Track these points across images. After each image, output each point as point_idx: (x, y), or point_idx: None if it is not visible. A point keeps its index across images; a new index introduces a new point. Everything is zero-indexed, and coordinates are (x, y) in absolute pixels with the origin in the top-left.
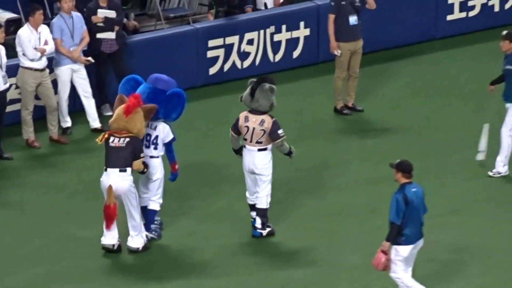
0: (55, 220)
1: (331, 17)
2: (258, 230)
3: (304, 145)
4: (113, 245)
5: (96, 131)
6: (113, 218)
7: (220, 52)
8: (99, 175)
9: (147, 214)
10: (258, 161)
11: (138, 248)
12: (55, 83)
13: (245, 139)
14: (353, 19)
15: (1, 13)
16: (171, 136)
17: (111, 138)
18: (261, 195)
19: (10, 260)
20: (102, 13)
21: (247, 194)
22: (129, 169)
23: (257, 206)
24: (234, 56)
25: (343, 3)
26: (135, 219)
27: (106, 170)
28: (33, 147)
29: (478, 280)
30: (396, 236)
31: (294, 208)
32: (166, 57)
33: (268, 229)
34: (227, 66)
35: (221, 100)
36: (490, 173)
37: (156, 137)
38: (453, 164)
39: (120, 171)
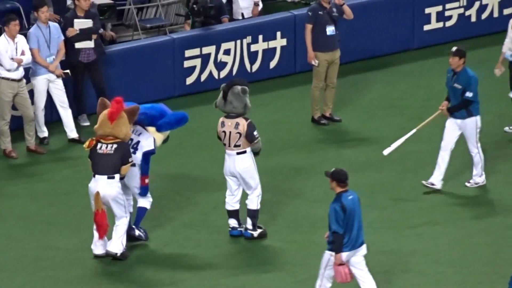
0: (31, 230)
1: (308, 27)
2: (249, 231)
3: (281, 155)
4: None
5: (73, 141)
6: (104, 225)
7: (197, 62)
8: (76, 185)
9: (137, 212)
10: (239, 165)
11: (116, 254)
12: (32, 93)
13: (224, 144)
14: (330, 29)
15: None
16: (151, 147)
17: (99, 145)
18: (252, 196)
19: None
20: (78, 23)
21: (226, 199)
22: (117, 176)
23: (248, 207)
24: (211, 66)
25: (320, 13)
26: (121, 224)
27: (94, 176)
28: (10, 157)
29: None
30: (333, 243)
31: (270, 218)
32: (143, 67)
33: (259, 230)
34: (204, 76)
35: (198, 110)
36: (468, 184)
37: (137, 142)
38: (429, 175)
39: (108, 178)
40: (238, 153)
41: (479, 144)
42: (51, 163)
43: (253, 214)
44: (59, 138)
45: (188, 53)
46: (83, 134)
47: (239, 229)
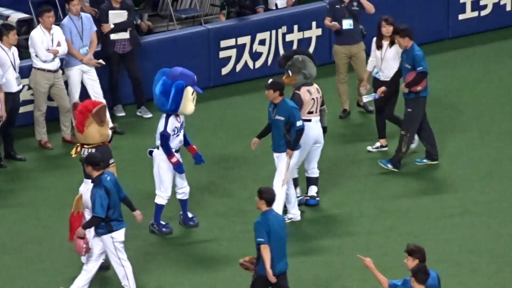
0: (67, 221)
1: (327, 19)
2: (317, 199)
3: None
4: None
5: None
6: (76, 229)
7: (232, 53)
8: None
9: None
10: (320, 129)
11: None
12: (66, 84)
13: (311, 112)
14: (347, 23)
15: (13, 14)
16: (161, 129)
17: (83, 150)
18: (315, 164)
19: (19, 262)
20: (113, 14)
21: (312, 169)
22: None
23: (314, 175)
24: (246, 57)
25: (337, 6)
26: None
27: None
28: (46, 148)
29: (490, 280)
30: (106, 226)
31: (303, 209)
32: (178, 57)
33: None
34: (239, 67)
35: (233, 100)
36: (287, 219)
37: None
38: (464, 164)
39: (92, 182)
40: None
41: (285, 181)
42: None
43: (317, 181)
44: None
45: (223, 43)
46: (118, 124)
47: None
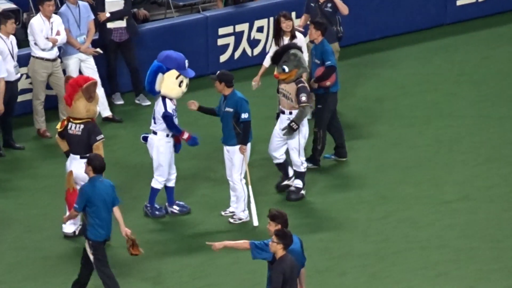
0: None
1: (304, 16)
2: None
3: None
4: (74, 232)
5: (107, 119)
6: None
7: (230, 40)
8: (109, 163)
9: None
10: None
11: (74, 232)
12: (65, 72)
13: None
14: None
15: (0, 4)
16: (162, 111)
17: (69, 125)
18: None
19: (17, 251)
20: (110, 3)
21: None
22: None
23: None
24: (244, 44)
25: (312, 4)
26: None
27: (69, 155)
28: (44, 137)
29: (490, 265)
30: None
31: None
32: (176, 45)
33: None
34: (237, 54)
35: None
36: (231, 220)
37: (154, 111)
38: (463, 150)
39: (81, 157)
40: None
41: (242, 175)
42: None
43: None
44: None
45: (221, 31)
46: (117, 113)
47: None
